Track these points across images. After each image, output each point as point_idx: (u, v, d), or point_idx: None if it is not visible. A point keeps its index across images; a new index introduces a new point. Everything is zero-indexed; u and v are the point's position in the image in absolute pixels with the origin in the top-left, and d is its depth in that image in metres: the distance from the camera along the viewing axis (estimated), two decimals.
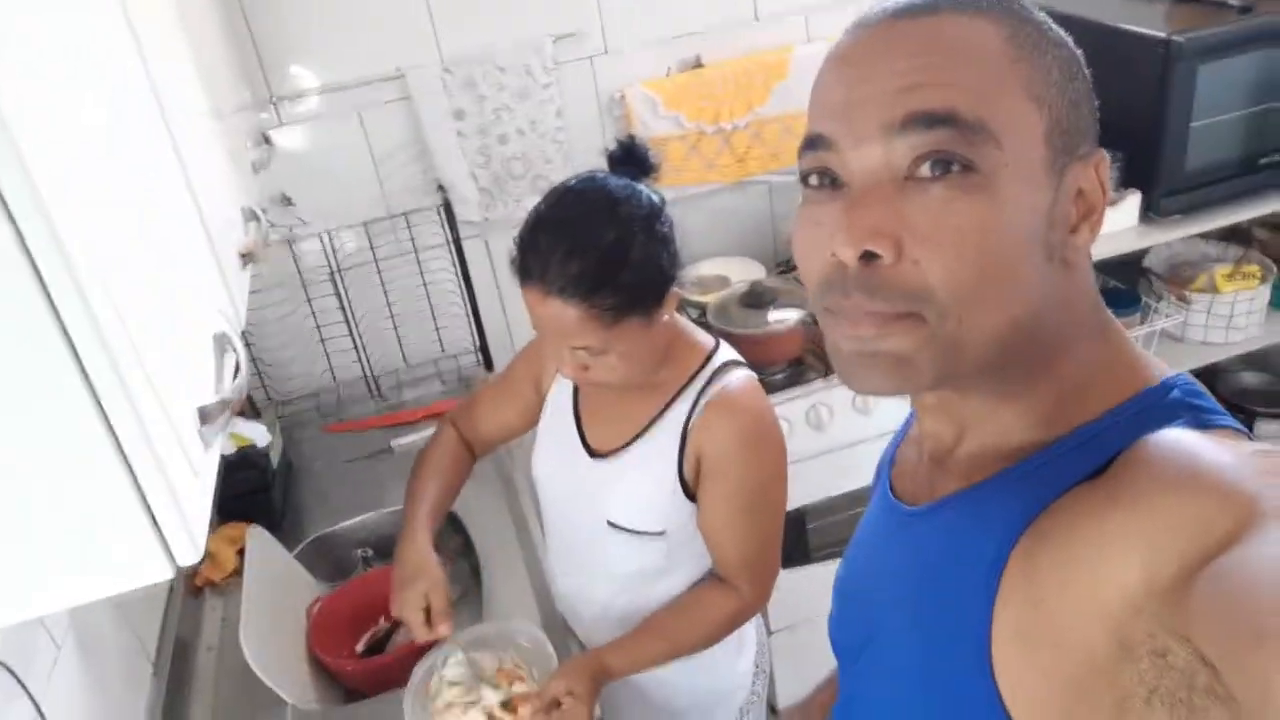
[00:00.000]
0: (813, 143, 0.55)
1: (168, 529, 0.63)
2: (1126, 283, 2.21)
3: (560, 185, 1.09)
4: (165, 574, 0.64)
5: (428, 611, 1.18)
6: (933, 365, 0.53)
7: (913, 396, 0.63)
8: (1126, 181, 1.99)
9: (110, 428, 0.59)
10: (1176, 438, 0.49)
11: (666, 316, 1.10)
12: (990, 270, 0.50)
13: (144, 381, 0.62)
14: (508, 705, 1.18)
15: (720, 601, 1.21)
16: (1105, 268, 2.07)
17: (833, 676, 0.95)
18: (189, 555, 0.65)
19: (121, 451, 0.60)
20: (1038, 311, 0.53)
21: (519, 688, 1.19)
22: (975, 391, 0.57)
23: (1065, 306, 0.55)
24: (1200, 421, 0.51)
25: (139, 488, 0.61)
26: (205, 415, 0.73)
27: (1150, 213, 1.96)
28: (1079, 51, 0.56)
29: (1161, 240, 2.00)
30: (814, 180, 0.56)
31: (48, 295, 0.55)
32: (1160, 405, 0.53)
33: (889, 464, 0.73)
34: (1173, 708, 0.45)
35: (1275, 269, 2.10)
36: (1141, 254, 2.21)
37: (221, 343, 0.86)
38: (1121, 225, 2.01)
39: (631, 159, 1.11)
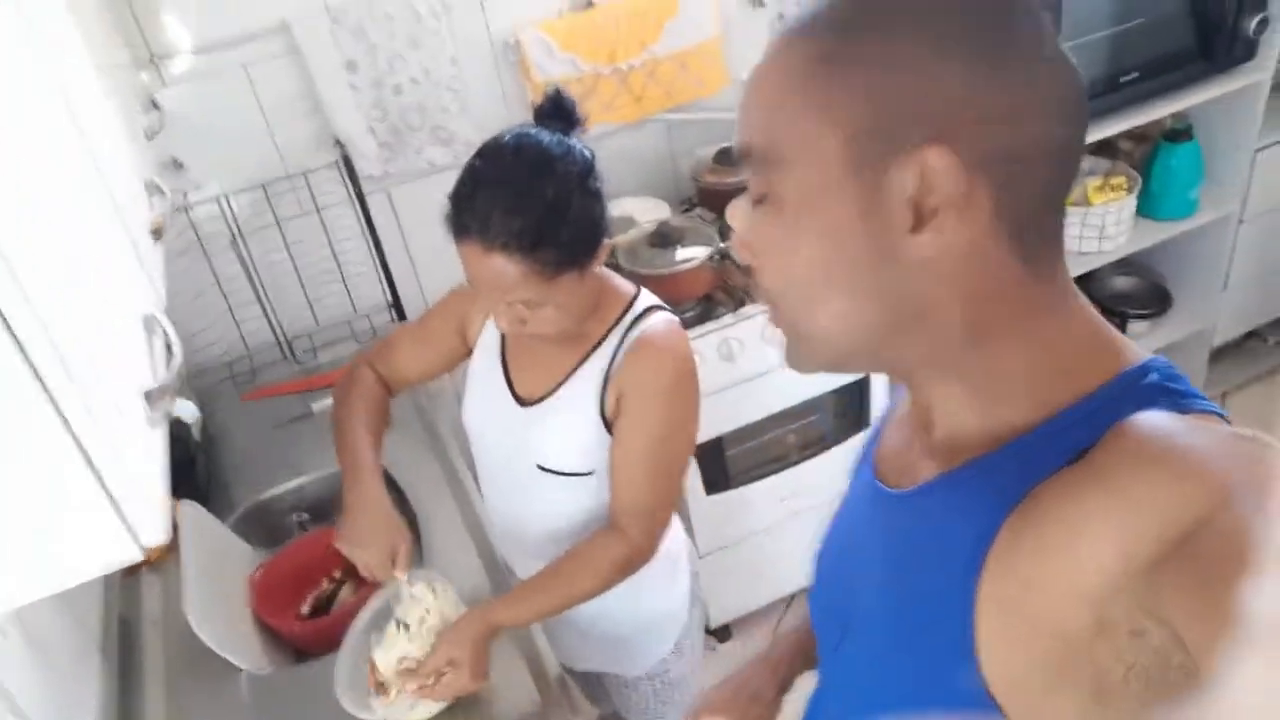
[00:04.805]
0: None
1: (130, 512, 0.65)
2: None
3: (494, 141, 1.09)
4: (133, 556, 0.66)
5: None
6: (802, 353, 0.60)
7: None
8: None
9: (65, 421, 0.60)
10: (1155, 421, 0.50)
11: (598, 268, 1.14)
12: (796, 281, 0.56)
13: (91, 370, 0.63)
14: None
15: (609, 546, 1.21)
16: None
17: (799, 629, 0.96)
18: (155, 535, 0.67)
19: (78, 442, 0.61)
20: (885, 311, 0.54)
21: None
22: (916, 379, 0.61)
23: (942, 304, 0.54)
24: (1179, 405, 0.52)
25: (99, 476, 0.63)
26: (151, 398, 0.74)
27: None
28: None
29: None
30: None
31: None
32: (1138, 388, 0.53)
33: (873, 443, 0.73)
34: (1148, 684, 0.46)
35: (1139, 178, 2.25)
36: None
37: (150, 324, 0.87)
38: None
39: (560, 113, 1.12)
